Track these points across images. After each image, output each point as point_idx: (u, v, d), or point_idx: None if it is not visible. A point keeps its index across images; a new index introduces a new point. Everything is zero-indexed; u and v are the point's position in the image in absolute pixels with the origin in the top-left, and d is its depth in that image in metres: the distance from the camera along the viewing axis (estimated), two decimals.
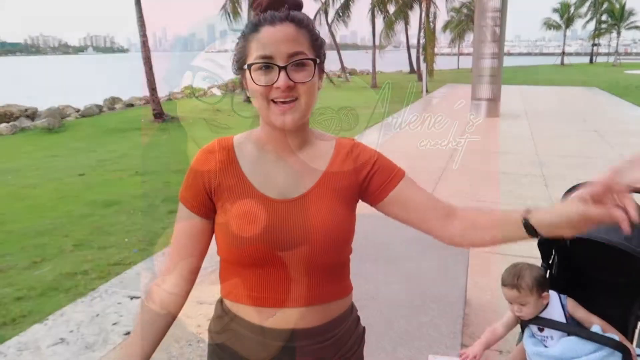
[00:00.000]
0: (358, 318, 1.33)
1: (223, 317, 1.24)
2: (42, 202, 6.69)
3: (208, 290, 1.81)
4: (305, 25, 1.12)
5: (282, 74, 1.07)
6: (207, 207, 1.19)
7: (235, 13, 19.42)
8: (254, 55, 1.10)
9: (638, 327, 2.06)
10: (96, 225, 5.76)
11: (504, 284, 1.98)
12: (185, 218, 1.21)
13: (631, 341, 2.02)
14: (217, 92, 25.26)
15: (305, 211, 1.15)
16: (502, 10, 12.85)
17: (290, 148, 1.20)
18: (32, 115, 15.39)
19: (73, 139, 12.08)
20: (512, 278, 1.95)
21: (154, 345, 1.20)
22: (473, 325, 3.12)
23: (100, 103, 19.49)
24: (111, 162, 9.28)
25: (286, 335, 1.17)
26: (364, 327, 1.34)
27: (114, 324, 3.15)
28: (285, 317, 1.17)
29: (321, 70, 1.18)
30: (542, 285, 1.95)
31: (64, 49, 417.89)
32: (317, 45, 1.14)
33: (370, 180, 1.22)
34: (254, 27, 1.11)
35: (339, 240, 1.17)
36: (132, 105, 20.15)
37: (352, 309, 1.30)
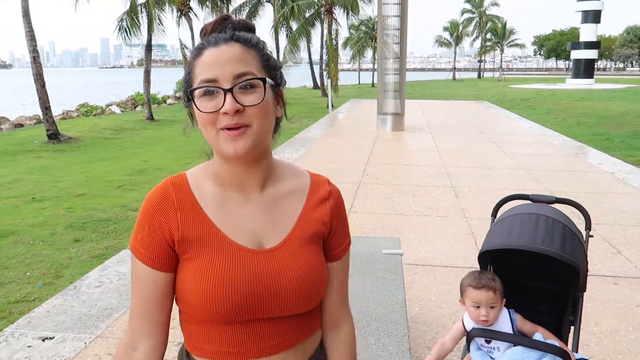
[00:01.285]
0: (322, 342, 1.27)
1: None
2: None
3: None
4: (253, 45, 1.02)
5: (229, 96, 0.96)
6: (170, 259, 1.05)
7: (134, 27, 18.66)
8: (197, 80, 0.99)
9: (571, 331, 2.18)
10: None
11: (479, 287, 1.97)
12: (145, 275, 1.05)
13: (566, 344, 2.13)
14: (117, 110, 24.11)
15: (286, 263, 1.06)
16: (402, 28, 13.44)
17: (255, 184, 1.08)
18: None
19: None
20: (489, 280, 1.97)
21: None
22: (409, 337, 3.16)
23: None
24: (2, 188, 8.48)
25: None
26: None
27: None
28: None
29: (278, 94, 1.07)
30: (503, 291, 2.01)
31: None
32: (270, 66, 1.04)
33: (334, 234, 1.16)
34: (197, 52, 1.02)
35: (317, 289, 1.10)
36: (21, 125, 18.68)
37: (321, 340, 1.22)
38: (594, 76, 47.03)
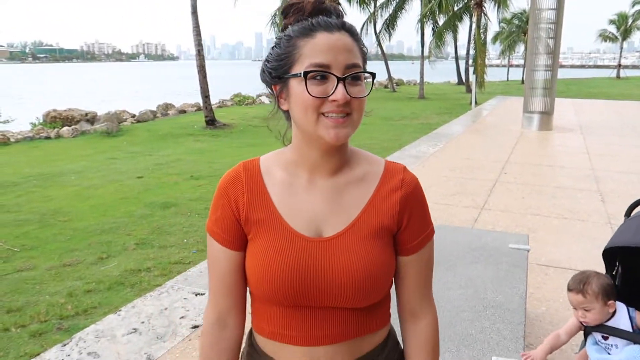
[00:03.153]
0: (397, 343, 1.23)
1: (251, 352, 1.19)
2: (104, 202, 7.04)
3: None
4: (358, 39, 1.03)
5: (340, 86, 0.96)
6: (240, 238, 1.09)
7: (282, 24, 19.76)
8: (305, 62, 0.97)
9: None
10: (156, 225, 6.03)
11: (569, 289, 2.04)
12: (222, 254, 1.10)
13: None
14: (266, 100, 25.72)
15: (343, 253, 1.04)
16: (557, 22, 12.65)
17: (326, 171, 1.08)
18: (91, 119, 16.13)
19: (130, 143, 12.59)
20: (578, 284, 2.00)
21: None
22: (532, 334, 3.15)
23: (154, 109, 20.21)
24: (167, 166, 9.65)
25: None
26: (402, 349, 1.23)
27: (182, 317, 3.34)
28: (311, 357, 1.08)
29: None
30: (609, 293, 1.99)
31: (118, 55, 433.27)
32: (365, 60, 1.05)
33: (404, 229, 1.10)
34: (307, 32, 0.99)
35: (379, 286, 1.06)
36: (184, 111, 20.78)
37: (387, 339, 1.18)
38: None
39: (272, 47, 1.05)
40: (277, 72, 1.03)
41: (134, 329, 3.17)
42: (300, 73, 0.97)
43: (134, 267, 4.73)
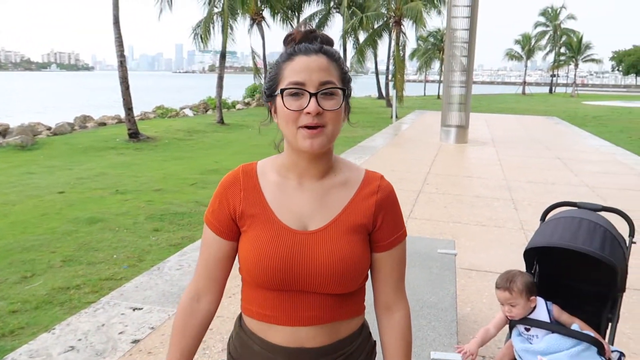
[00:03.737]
0: (369, 334, 1.37)
1: (240, 334, 1.32)
2: (24, 219, 6.70)
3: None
4: (336, 59, 1.19)
5: (313, 100, 1.11)
6: (232, 230, 1.26)
7: (206, 36, 19.61)
8: (286, 82, 1.15)
9: (609, 327, 2.36)
10: (82, 241, 5.83)
11: (497, 287, 2.26)
12: (212, 241, 1.28)
13: (604, 338, 2.32)
14: (190, 113, 25.26)
15: (323, 245, 1.19)
16: (470, 41, 13.50)
17: (313, 175, 1.24)
18: (3, 132, 15.17)
19: (48, 157, 11.99)
20: (505, 282, 2.23)
21: (195, 349, 1.33)
22: (459, 332, 3.39)
23: (72, 121, 19.33)
24: (90, 180, 9.30)
25: (295, 353, 1.23)
26: (374, 341, 1.39)
27: (120, 332, 3.29)
28: (295, 336, 1.22)
29: (347, 104, 1.23)
30: (531, 289, 2.23)
31: (27, 65, 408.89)
32: (346, 79, 1.21)
33: (379, 228, 1.26)
34: (288, 57, 1.17)
35: (352, 276, 1.20)
36: (104, 124, 20.04)
37: (362, 327, 1.33)
38: None
39: (269, 71, 1.24)
40: (268, 92, 1.21)
41: (71, 346, 3.09)
42: (279, 91, 1.16)
43: (62, 285, 4.57)
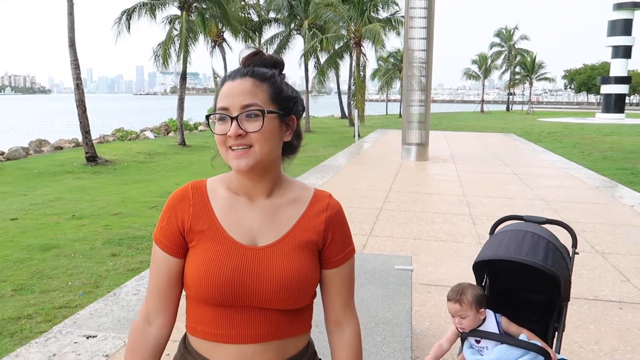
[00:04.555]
0: (314, 352, 1.37)
1: (185, 355, 1.29)
2: None
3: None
4: (266, 79, 1.18)
5: (234, 123, 1.14)
6: (182, 247, 1.24)
7: (166, 58, 19.53)
8: (217, 107, 1.18)
9: (555, 336, 2.43)
10: (35, 269, 5.64)
11: (449, 299, 2.31)
12: (162, 260, 1.25)
13: (551, 347, 2.38)
14: (151, 135, 24.95)
15: (272, 261, 1.20)
16: (427, 61, 13.85)
17: (260, 193, 1.25)
18: None
19: (0, 183, 11.62)
20: (456, 294, 2.28)
21: None
22: (418, 348, 3.42)
23: (26, 145, 18.81)
24: (44, 205, 9.04)
25: None
26: None
27: None
28: (241, 354, 1.21)
29: (287, 123, 1.23)
30: (481, 302, 2.28)
31: None
32: (281, 98, 1.20)
33: (328, 245, 1.27)
34: (221, 84, 1.22)
35: (301, 291, 1.21)
36: (60, 147, 19.56)
37: (308, 345, 1.34)
38: (625, 111, 46.61)
39: None
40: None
41: None
42: (206, 116, 1.26)
43: (12, 315, 4.40)
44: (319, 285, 1.31)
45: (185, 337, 1.32)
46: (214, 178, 1.31)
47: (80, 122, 14.12)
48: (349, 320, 1.33)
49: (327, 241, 1.27)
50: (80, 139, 15.09)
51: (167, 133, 26.26)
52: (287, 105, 1.22)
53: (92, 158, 14.09)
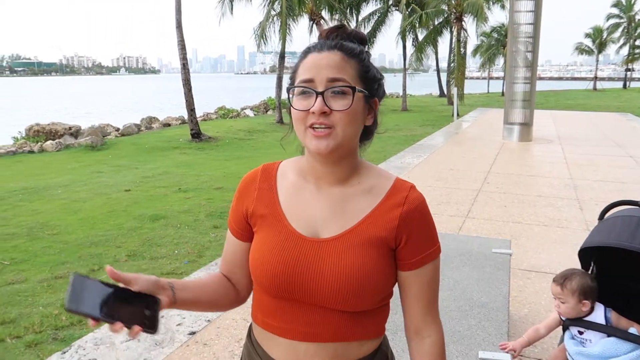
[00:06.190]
0: (386, 359, 1.23)
1: (247, 343, 1.26)
2: (93, 216, 7.08)
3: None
4: (355, 55, 1.09)
5: (319, 98, 1.04)
6: (246, 230, 1.21)
7: (264, 37, 19.98)
8: (297, 80, 1.09)
9: None
10: (146, 237, 6.09)
11: (554, 280, 2.20)
12: (230, 240, 1.25)
13: None
14: (250, 113, 25.82)
15: (333, 256, 1.09)
16: (535, 36, 13.02)
17: (331, 180, 1.15)
18: (75, 133, 16.09)
19: (115, 157, 12.61)
20: (561, 277, 2.17)
21: (195, 292, 1.18)
22: (516, 335, 3.30)
23: (138, 122, 20.21)
24: (154, 179, 9.70)
25: None
26: None
27: (178, 324, 3.43)
28: (293, 352, 1.13)
29: (370, 105, 1.13)
30: (586, 293, 2.14)
31: (98, 69, 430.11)
32: (368, 78, 1.11)
33: (404, 245, 1.13)
34: (303, 55, 1.12)
35: (365, 293, 1.08)
36: (168, 125, 20.82)
37: (376, 352, 1.19)
38: None
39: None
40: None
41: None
42: (286, 89, 1.12)
43: None
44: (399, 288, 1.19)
45: (250, 327, 1.27)
46: (287, 161, 1.24)
47: (186, 100, 14.90)
48: (429, 329, 1.18)
49: (402, 240, 1.12)
50: (185, 116, 15.93)
51: (266, 111, 27.02)
52: (372, 86, 1.12)
53: (196, 135, 14.85)
